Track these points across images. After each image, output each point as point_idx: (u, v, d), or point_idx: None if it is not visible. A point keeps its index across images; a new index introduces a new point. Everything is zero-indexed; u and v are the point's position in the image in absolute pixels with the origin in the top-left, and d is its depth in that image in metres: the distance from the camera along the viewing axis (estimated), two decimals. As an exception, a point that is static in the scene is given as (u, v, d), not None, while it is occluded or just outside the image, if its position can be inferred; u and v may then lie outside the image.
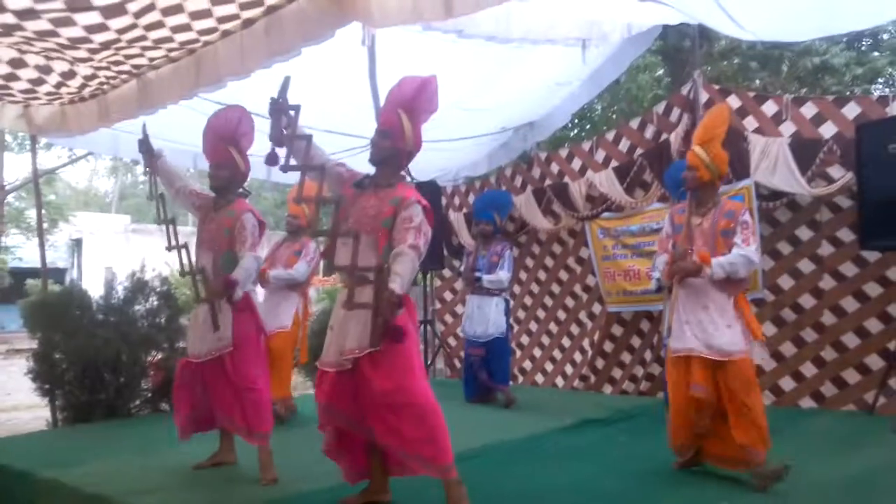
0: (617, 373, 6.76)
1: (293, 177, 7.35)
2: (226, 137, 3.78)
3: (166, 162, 4.04)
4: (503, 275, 5.88)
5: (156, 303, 6.00)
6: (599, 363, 6.86)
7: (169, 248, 3.86)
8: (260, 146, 3.73)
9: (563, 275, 7.35)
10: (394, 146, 3.04)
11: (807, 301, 5.51)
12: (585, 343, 7.08)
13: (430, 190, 7.03)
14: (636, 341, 6.67)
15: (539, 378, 7.49)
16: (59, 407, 5.61)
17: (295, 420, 5.12)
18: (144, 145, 3.97)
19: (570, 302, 7.31)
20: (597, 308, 7.00)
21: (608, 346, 6.84)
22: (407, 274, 2.82)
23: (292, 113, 2.99)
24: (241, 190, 3.93)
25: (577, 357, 7.16)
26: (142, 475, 3.65)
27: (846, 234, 5.33)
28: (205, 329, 3.66)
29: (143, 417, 5.72)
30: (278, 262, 5.39)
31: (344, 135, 6.56)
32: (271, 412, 3.74)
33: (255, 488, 3.44)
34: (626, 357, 6.72)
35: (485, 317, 5.92)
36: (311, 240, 5.40)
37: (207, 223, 3.80)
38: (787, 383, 5.55)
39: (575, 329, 7.25)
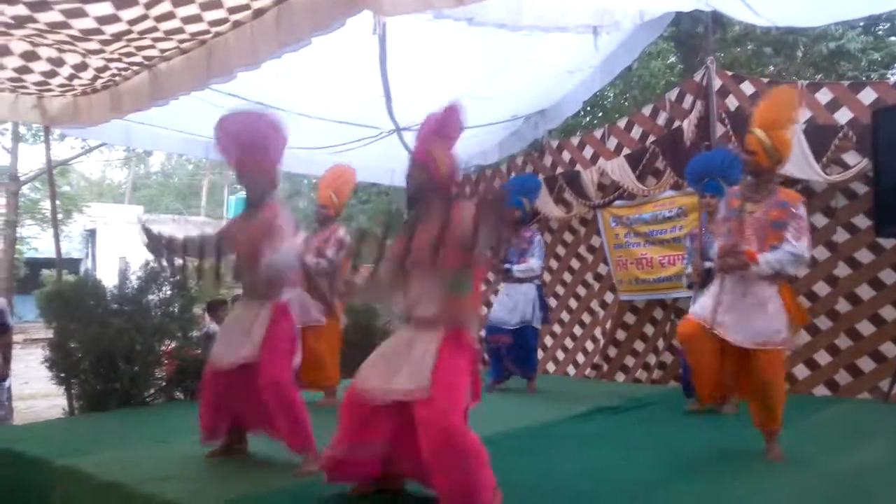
0: (629, 361, 6.76)
1: (307, 166, 7.38)
2: (256, 148, 3.60)
3: (173, 240, 3.87)
4: (534, 262, 5.80)
5: (169, 292, 6.03)
6: (612, 352, 6.86)
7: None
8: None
9: (575, 263, 7.34)
10: (430, 178, 3.02)
11: (821, 289, 5.47)
12: (597, 332, 7.07)
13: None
14: (649, 329, 6.66)
15: (550, 367, 7.48)
16: (75, 395, 5.67)
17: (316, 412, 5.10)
18: (152, 242, 3.74)
19: (581, 290, 7.29)
20: (609, 296, 6.98)
21: (620, 335, 6.83)
22: None
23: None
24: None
25: (589, 346, 7.16)
26: (157, 463, 3.67)
27: (861, 221, 5.29)
28: (237, 334, 3.58)
29: (157, 406, 5.77)
30: (308, 251, 5.38)
31: (355, 125, 6.57)
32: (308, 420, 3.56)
33: (268, 476, 3.46)
34: (639, 345, 6.71)
35: (512, 304, 5.84)
36: (339, 228, 5.39)
37: (241, 233, 3.70)
38: (801, 371, 5.53)
39: (587, 318, 7.24)
